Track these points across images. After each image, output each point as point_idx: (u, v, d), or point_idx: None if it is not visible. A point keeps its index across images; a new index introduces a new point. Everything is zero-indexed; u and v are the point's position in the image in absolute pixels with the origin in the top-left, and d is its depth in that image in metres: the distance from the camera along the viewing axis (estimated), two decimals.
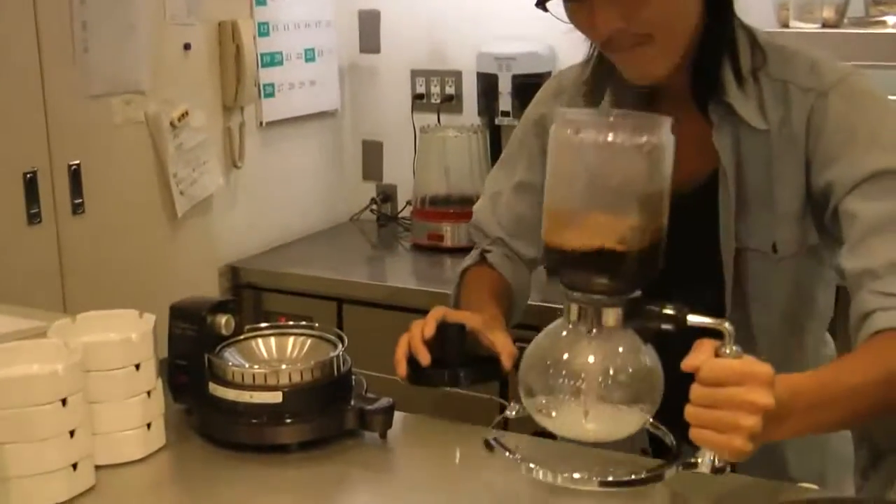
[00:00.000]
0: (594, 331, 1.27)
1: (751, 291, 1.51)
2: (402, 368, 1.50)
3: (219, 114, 2.94)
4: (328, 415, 1.48)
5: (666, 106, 1.51)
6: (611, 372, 1.26)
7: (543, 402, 1.28)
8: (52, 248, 2.40)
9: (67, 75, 2.40)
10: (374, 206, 3.43)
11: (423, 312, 2.65)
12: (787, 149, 1.45)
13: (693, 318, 1.23)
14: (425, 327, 1.51)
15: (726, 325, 1.19)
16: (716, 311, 1.49)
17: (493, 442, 1.31)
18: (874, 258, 1.35)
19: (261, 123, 3.10)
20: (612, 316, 1.26)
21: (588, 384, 1.25)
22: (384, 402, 1.50)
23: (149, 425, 1.44)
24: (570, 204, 1.25)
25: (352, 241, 3.31)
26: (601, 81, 1.54)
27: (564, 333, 1.29)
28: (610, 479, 1.25)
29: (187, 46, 2.75)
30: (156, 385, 1.46)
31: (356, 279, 2.89)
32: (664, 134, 1.23)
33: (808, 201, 1.46)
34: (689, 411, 1.16)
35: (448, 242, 3.03)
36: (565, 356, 1.27)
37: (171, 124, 2.68)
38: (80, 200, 2.45)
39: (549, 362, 1.28)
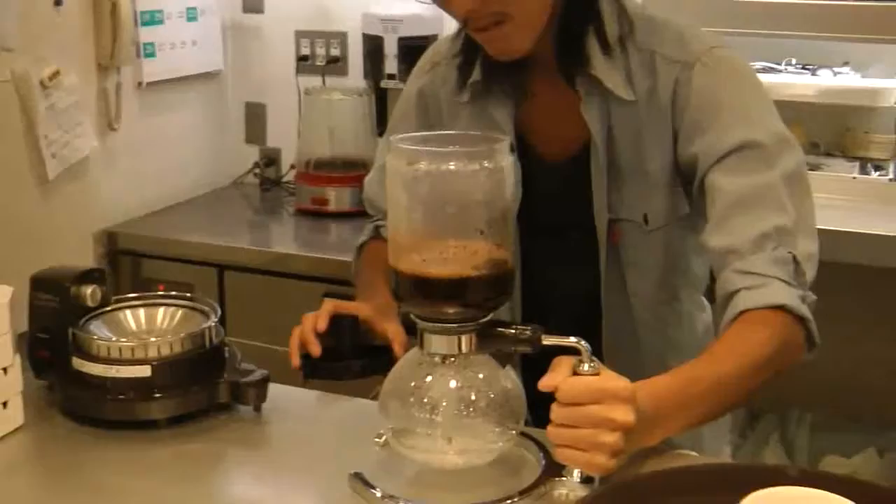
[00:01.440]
0: (450, 358, 1.26)
1: (625, 258, 1.51)
2: (295, 360, 1.50)
3: (93, 74, 2.83)
4: (199, 388, 1.44)
5: (536, 76, 1.51)
6: (472, 398, 1.26)
7: (405, 432, 1.28)
8: None
9: None
10: (258, 170, 3.36)
11: (306, 278, 2.67)
12: (655, 119, 1.44)
13: (548, 340, 1.23)
14: (318, 321, 1.50)
15: (582, 342, 1.19)
16: (593, 277, 1.51)
17: (356, 478, 1.28)
18: (738, 236, 1.35)
19: (140, 84, 3.00)
20: (465, 342, 1.25)
21: (447, 412, 1.26)
22: (258, 374, 1.46)
23: (4, 404, 1.38)
24: (413, 232, 1.24)
25: (234, 206, 3.24)
26: (471, 53, 1.53)
27: (421, 363, 1.29)
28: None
29: (58, 2, 2.64)
30: (13, 361, 1.39)
31: (238, 245, 2.83)
32: (502, 157, 1.22)
33: (676, 172, 1.46)
34: (551, 431, 1.17)
35: (332, 207, 2.98)
36: (423, 385, 1.27)
37: (42, 83, 2.58)
38: None
39: (408, 392, 1.27)
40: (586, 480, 1.24)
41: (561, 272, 1.55)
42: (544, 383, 1.17)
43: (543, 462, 1.30)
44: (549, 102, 1.51)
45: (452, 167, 1.19)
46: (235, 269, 2.78)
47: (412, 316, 1.27)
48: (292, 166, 3.21)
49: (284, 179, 3.33)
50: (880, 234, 2.48)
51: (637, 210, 1.48)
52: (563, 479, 1.25)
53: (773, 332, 1.29)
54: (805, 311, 1.31)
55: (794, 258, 1.33)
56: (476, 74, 1.52)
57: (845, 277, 2.54)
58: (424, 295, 1.24)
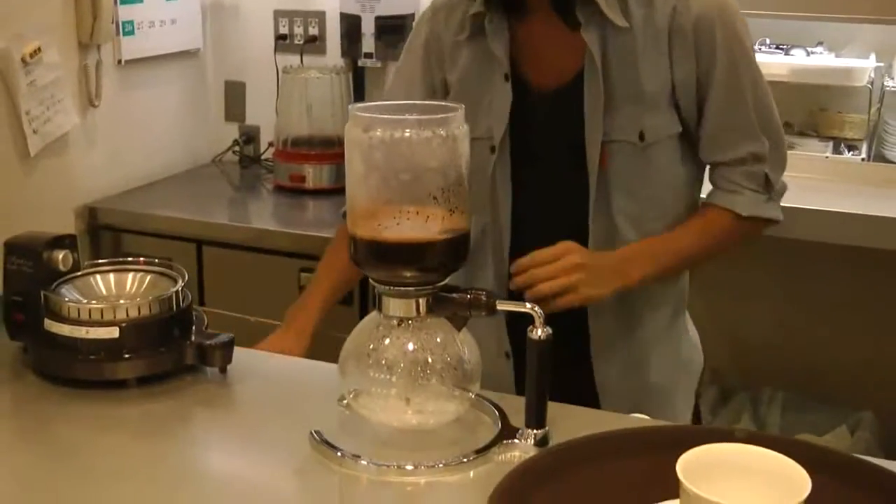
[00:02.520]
0: (407, 321, 1.30)
1: (613, 180, 1.58)
2: None
3: (74, 51, 2.84)
4: (167, 350, 1.47)
5: (532, 9, 1.58)
6: (428, 360, 1.30)
7: (364, 393, 1.32)
8: None
9: None
10: (237, 148, 3.38)
11: (283, 254, 2.70)
12: (651, 45, 1.55)
13: (502, 305, 1.29)
14: None
15: (536, 308, 1.26)
16: (581, 205, 1.60)
17: (317, 437, 1.31)
18: (724, 154, 1.61)
19: (120, 62, 3.02)
20: (422, 305, 1.29)
21: (404, 373, 1.29)
22: (224, 337, 1.49)
23: None
24: (369, 199, 1.28)
25: (213, 183, 3.27)
26: None
27: (378, 326, 1.32)
28: (440, 464, 1.27)
29: None
30: None
31: (217, 221, 2.85)
32: (456, 126, 1.26)
33: (672, 93, 1.56)
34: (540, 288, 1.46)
35: (310, 184, 3.01)
36: (380, 347, 1.30)
37: (23, 60, 2.60)
38: None
39: (365, 354, 1.31)
40: (540, 443, 1.28)
41: (550, 202, 1.63)
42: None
43: (499, 425, 1.34)
44: (544, 34, 1.59)
45: (406, 134, 1.23)
46: (214, 244, 2.81)
47: (371, 280, 1.31)
48: (270, 144, 3.23)
49: (263, 157, 3.35)
50: (853, 214, 2.51)
51: (632, 129, 1.57)
52: (517, 441, 1.29)
53: (728, 226, 1.61)
54: (767, 212, 1.62)
55: (766, 174, 1.60)
56: (478, 5, 1.59)
57: (817, 257, 2.58)
58: (381, 259, 1.28)
